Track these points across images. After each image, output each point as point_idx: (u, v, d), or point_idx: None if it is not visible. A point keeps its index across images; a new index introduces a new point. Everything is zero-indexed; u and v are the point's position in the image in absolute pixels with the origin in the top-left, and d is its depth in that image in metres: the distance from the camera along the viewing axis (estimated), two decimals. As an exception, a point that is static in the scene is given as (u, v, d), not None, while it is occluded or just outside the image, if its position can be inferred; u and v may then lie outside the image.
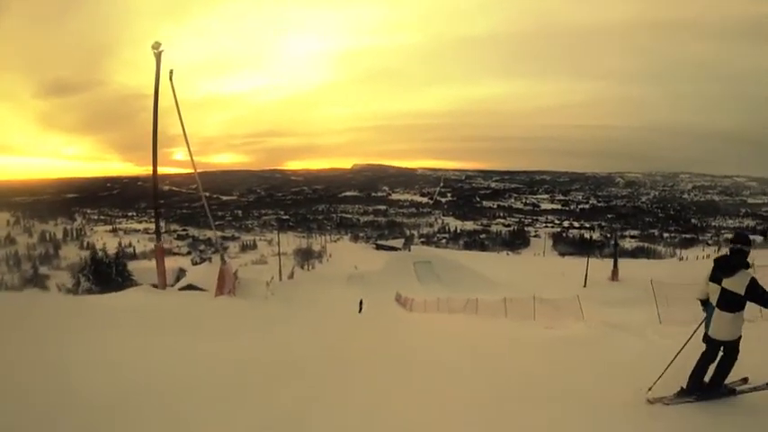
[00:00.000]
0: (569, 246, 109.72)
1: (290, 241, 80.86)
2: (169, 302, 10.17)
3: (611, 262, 44.13)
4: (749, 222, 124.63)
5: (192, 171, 14.53)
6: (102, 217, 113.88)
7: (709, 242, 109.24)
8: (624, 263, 42.17)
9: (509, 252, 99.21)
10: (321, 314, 13.81)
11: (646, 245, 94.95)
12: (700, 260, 67.35)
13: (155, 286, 12.97)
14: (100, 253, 22.99)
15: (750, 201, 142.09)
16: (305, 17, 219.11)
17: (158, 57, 11.06)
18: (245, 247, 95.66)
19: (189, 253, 63.02)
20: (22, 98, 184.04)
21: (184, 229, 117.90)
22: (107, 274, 18.46)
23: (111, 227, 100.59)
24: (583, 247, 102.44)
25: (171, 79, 11.42)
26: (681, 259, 71.87)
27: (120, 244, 75.60)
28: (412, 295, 29.16)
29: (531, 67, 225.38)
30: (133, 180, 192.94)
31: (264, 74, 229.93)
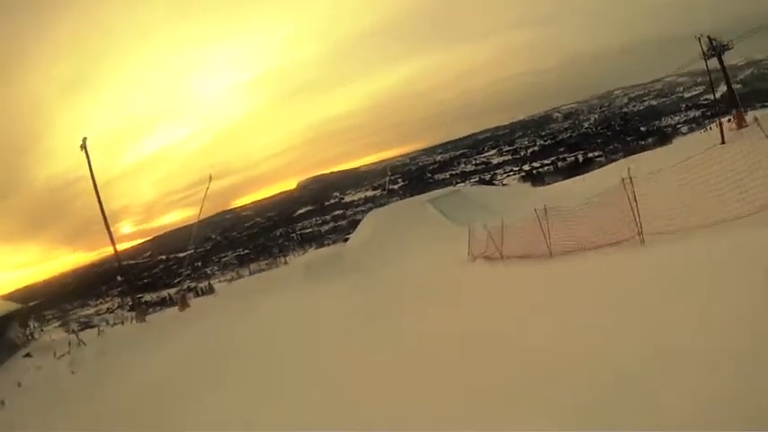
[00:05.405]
0: (555, 175, 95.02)
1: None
2: None
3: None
4: (694, 113, 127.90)
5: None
6: (57, 314, 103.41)
7: (684, 132, 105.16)
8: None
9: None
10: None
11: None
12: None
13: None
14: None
15: (686, 95, 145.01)
16: (206, 57, 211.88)
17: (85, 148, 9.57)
18: (200, 294, 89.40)
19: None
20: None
21: (139, 298, 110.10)
22: None
23: (61, 321, 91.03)
24: (568, 171, 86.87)
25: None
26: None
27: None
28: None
29: (434, 41, 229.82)
30: (88, 268, 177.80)
31: (184, 123, 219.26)
